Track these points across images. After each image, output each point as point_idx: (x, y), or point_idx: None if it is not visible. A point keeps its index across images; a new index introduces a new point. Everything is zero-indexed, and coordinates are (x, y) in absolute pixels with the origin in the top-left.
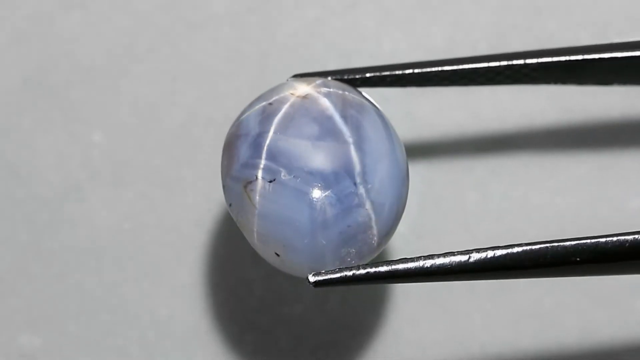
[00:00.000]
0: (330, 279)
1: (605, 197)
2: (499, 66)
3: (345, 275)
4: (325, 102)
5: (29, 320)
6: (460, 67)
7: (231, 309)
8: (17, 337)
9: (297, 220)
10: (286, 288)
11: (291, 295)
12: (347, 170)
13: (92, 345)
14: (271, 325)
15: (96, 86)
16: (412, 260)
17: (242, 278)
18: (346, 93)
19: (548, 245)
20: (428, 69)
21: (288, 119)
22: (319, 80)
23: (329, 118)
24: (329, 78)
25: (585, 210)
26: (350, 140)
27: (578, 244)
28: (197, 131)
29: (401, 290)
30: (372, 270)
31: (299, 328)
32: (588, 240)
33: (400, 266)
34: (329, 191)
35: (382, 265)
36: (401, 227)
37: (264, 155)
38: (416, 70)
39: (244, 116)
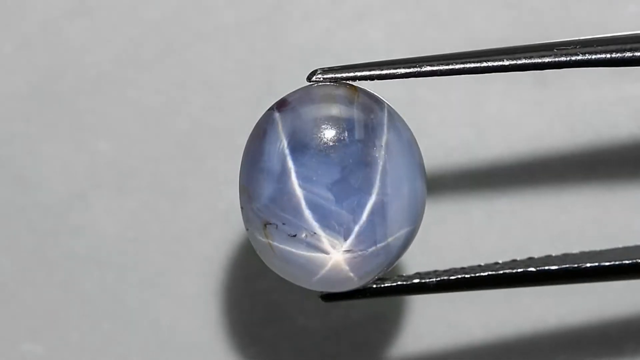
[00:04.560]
0: (340, 295)
1: (611, 216)
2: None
3: (355, 292)
4: (351, 136)
5: (31, 328)
6: (478, 65)
7: (234, 320)
8: (19, 345)
9: (315, 272)
10: (289, 300)
11: (294, 308)
12: (371, 229)
13: (94, 353)
14: (274, 337)
15: (102, 94)
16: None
17: (245, 290)
18: (370, 113)
19: (559, 266)
20: (455, 66)
21: (311, 158)
22: (346, 116)
23: (354, 172)
24: (356, 81)
25: (590, 228)
26: (374, 196)
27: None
28: (202, 141)
29: (404, 305)
30: (380, 287)
31: (301, 341)
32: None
33: (408, 284)
34: (351, 250)
35: (388, 282)
36: None
37: (285, 207)
38: (443, 67)
39: (266, 143)
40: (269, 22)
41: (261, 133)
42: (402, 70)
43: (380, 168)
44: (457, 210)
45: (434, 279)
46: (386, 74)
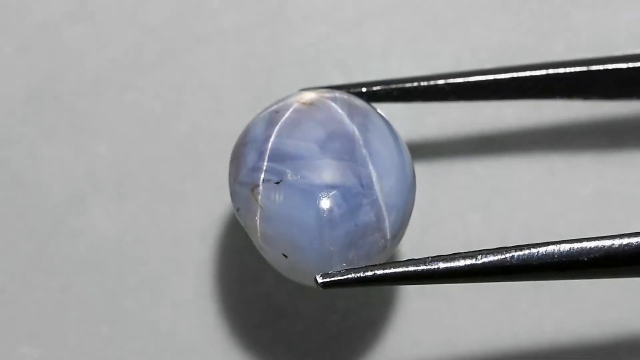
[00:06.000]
0: (338, 280)
1: (609, 221)
2: (505, 79)
3: (353, 277)
4: (332, 106)
5: (29, 331)
6: (467, 79)
7: (232, 323)
8: (17, 348)
9: (304, 220)
10: (287, 304)
11: (292, 312)
12: (353, 170)
13: (92, 357)
14: (271, 341)
15: (102, 98)
16: (420, 261)
17: (243, 293)
18: (352, 99)
19: (557, 245)
20: (434, 82)
21: (294, 123)
22: (325, 91)
23: (336, 121)
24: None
25: (588, 233)
26: (357, 141)
27: (586, 245)
28: (201, 145)
29: (401, 309)
30: (380, 271)
31: (299, 345)
32: (598, 242)
33: (409, 268)
34: (335, 190)
35: (389, 267)
36: (403, 248)
37: (270, 158)
38: (423, 84)
39: (251, 125)
40: (269, 27)
41: (247, 125)
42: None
43: (363, 131)
44: (454, 214)
45: (436, 266)
46: (362, 92)
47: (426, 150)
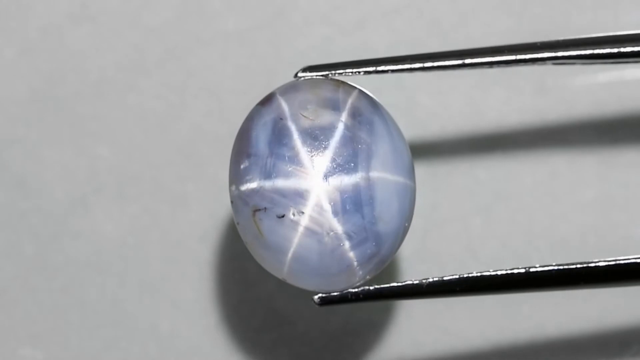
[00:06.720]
0: (336, 299)
1: (611, 224)
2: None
3: (350, 296)
4: (337, 132)
5: (30, 333)
6: (474, 60)
7: (233, 326)
8: (18, 350)
9: (306, 257)
10: (289, 306)
11: (293, 315)
12: (356, 206)
13: (93, 359)
14: (273, 343)
15: (104, 100)
16: (413, 281)
17: (245, 296)
18: (356, 102)
19: (552, 268)
20: (441, 62)
21: (298, 149)
22: (332, 99)
23: (340, 150)
24: (335, 75)
25: (590, 236)
26: (360, 174)
27: (587, 267)
28: (203, 147)
29: (404, 312)
30: (375, 289)
31: (300, 348)
32: (598, 264)
33: (405, 287)
34: (339, 229)
35: (384, 286)
36: (405, 251)
37: (274, 188)
38: (427, 64)
39: (253, 131)
40: (270, 28)
41: (247, 123)
42: (386, 67)
43: (365, 149)
44: (456, 217)
45: (429, 282)
46: (369, 70)
47: (428, 153)
